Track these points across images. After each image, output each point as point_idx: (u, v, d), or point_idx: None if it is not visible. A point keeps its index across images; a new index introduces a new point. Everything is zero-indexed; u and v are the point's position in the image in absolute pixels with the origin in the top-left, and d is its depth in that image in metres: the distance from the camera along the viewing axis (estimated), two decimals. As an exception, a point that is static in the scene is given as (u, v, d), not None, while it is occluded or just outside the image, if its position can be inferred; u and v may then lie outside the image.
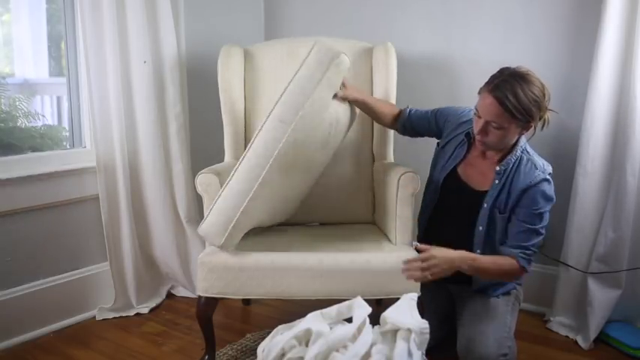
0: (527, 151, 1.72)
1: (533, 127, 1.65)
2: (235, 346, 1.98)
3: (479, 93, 1.65)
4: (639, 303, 2.06)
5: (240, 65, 2.18)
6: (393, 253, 1.72)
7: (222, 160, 2.15)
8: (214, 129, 2.25)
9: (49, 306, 2.10)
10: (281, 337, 1.37)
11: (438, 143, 1.92)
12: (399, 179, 1.78)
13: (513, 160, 1.70)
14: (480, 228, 1.74)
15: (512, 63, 1.65)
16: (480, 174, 1.76)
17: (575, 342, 2.06)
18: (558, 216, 2.03)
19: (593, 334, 2.01)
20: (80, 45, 2.16)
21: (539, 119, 1.64)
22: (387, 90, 2.12)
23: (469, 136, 1.77)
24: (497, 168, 1.70)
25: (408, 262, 1.60)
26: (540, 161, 1.71)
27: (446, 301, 1.90)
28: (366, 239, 1.89)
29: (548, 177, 1.68)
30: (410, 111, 1.96)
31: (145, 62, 2.16)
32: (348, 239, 1.90)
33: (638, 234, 2.00)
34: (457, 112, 1.86)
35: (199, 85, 2.48)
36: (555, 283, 2.16)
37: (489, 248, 1.75)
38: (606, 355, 1.98)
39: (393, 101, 2.14)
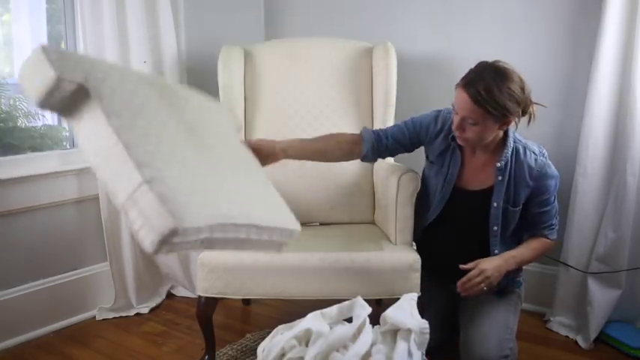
0: (520, 140, 1.71)
1: (514, 121, 1.62)
2: (235, 346, 1.98)
3: (455, 88, 1.61)
4: (639, 303, 2.06)
5: (240, 66, 2.18)
6: (393, 253, 1.72)
7: (222, 160, 2.15)
8: (214, 129, 2.25)
9: (49, 306, 2.10)
10: (281, 337, 1.37)
11: (427, 156, 1.85)
12: (399, 179, 1.78)
13: (510, 152, 1.68)
14: (495, 228, 1.72)
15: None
16: (476, 173, 1.74)
17: (575, 342, 2.06)
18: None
19: (593, 334, 2.01)
20: (80, 45, 2.16)
21: (523, 114, 1.61)
22: (387, 90, 2.12)
23: (454, 138, 1.70)
24: (499, 164, 1.68)
25: (463, 283, 1.65)
26: (535, 147, 1.71)
27: (446, 302, 1.89)
28: (366, 239, 1.89)
29: (548, 161, 1.69)
30: (384, 136, 1.78)
31: (145, 62, 2.16)
32: (348, 239, 1.90)
33: (638, 234, 2.00)
34: (431, 123, 1.77)
35: (199, 85, 2.45)
36: (555, 283, 2.16)
37: (504, 243, 1.74)
38: (606, 355, 1.98)
39: (393, 101, 2.13)
